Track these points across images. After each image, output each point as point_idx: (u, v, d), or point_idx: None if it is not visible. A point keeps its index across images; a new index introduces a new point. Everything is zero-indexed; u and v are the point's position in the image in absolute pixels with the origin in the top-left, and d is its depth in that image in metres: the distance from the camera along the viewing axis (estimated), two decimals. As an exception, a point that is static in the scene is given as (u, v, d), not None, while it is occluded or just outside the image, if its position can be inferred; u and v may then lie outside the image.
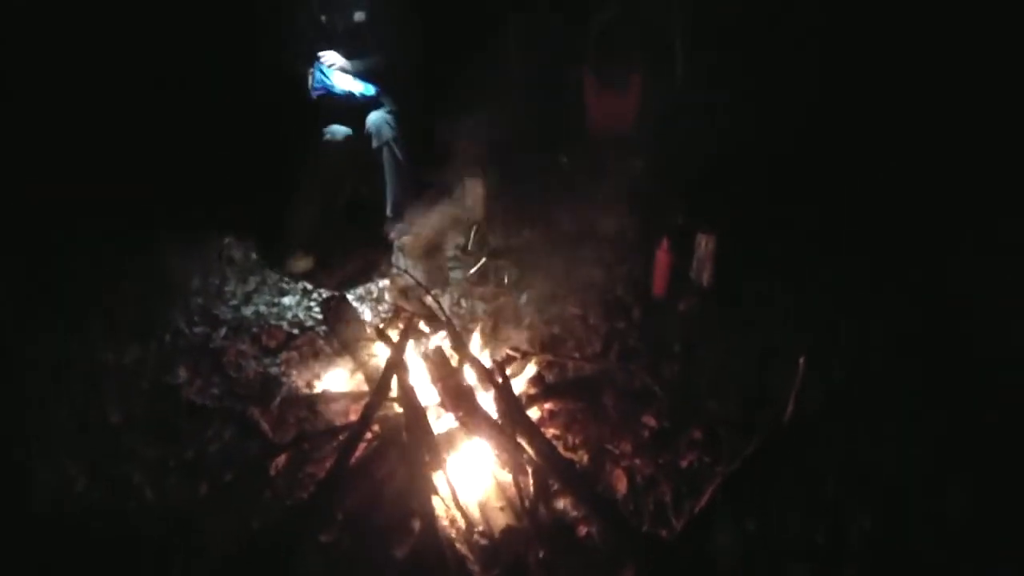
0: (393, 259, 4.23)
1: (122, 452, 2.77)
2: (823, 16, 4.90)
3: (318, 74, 4.24)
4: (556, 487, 2.49)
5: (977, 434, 2.86)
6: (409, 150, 4.49)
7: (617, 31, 5.03)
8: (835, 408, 2.97)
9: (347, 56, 4.29)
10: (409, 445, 2.43)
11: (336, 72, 4.26)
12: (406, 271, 3.81)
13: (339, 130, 4.28)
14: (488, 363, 2.91)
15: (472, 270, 4.14)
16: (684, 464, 2.73)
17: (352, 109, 4.38)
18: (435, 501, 2.31)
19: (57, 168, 4.39)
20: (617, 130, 5.03)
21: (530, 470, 2.47)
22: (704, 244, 3.99)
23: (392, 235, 4.41)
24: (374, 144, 4.35)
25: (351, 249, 4.52)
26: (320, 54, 4.21)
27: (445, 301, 3.71)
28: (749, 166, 4.65)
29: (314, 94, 4.30)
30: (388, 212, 4.48)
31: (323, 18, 4.26)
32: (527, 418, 2.62)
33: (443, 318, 3.11)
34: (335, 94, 4.30)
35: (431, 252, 4.28)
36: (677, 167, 4.64)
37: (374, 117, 4.39)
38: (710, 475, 2.63)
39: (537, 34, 5.28)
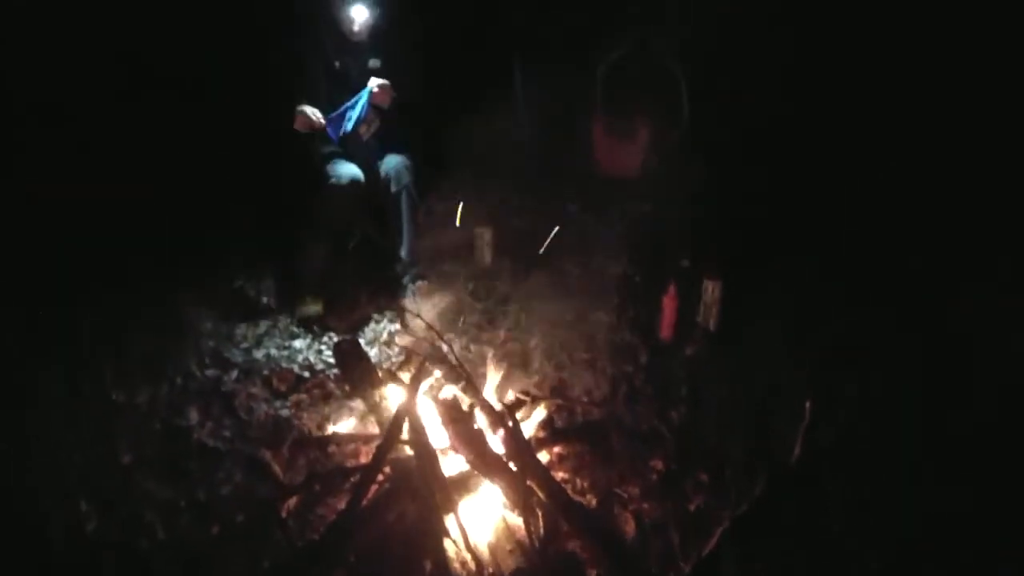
0: (406, 302, 4.27)
1: (134, 492, 2.79)
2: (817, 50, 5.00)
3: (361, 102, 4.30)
4: (566, 529, 2.51)
5: (980, 468, 2.88)
6: (424, 195, 4.53)
7: (624, 75, 5.13)
8: (840, 448, 3.00)
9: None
10: (420, 487, 2.45)
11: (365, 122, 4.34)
12: (418, 315, 3.84)
13: (344, 173, 4.28)
14: (498, 406, 2.94)
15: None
16: (692, 507, 2.75)
17: (356, 155, 4.44)
18: (446, 543, 2.32)
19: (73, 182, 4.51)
20: (624, 175, 5.09)
21: (540, 512, 2.48)
22: (711, 289, 4.04)
23: (407, 279, 4.45)
24: (393, 188, 4.38)
25: (361, 292, 4.55)
26: (375, 79, 4.27)
27: (456, 345, 3.74)
28: (753, 208, 4.71)
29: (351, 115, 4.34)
30: (404, 255, 4.50)
31: (336, 64, 4.33)
32: (537, 461, 2.65)
33: (454, 362, 3.15)
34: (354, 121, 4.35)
35: (442, 296, 4.32)
36: (683, 211, 4.70)
37: (393, 162, 4.43)
38: (717, 518, 2.64)
39: (545, 81, 5.37)
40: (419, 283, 4.39)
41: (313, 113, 4.16)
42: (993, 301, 3.84)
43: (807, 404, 2.89)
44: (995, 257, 4.19)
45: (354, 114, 4.25)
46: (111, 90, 4.85)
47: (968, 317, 3.85)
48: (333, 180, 4.23)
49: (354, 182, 4.28)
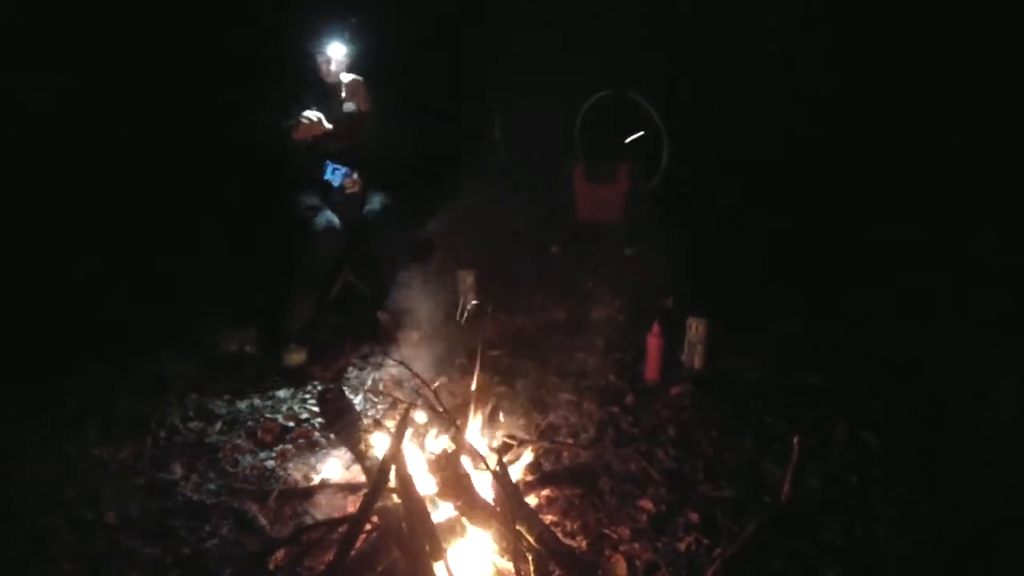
0: (392, 349, 4.26)
1: (119, 551, 2.75)
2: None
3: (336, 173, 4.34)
4: (556, 574, 2.48)
5: (975, 509, 2.88)
6: (409, 240, 4.53)
7: (603, 120, 5.20)
8: (831, 489, 3.00)
9: (338, 147, 4.41)
10: (409, 535, 2.43)
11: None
12: (402, 362, 3.83)
13: (321, 222, 4.29)
14: (485, 451, 2.92)
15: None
16: (682, 547, 2.73)
17: (338, 206, 4.45)
18: (436, 591, 2.30)
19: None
20: (606, 218, 5.14)
21: (530, 557, 2.46)
22: (695, 328, 4.06)
23: (393, 325, 4.43)
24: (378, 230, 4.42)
25: (345, 340, 4.54)
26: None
27: (441, 390, 3.72)
28: (734, 246, 4.76)
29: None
30: (390, 302, 4.50)
31: (314, 109, 4.36)
32: (526, 505, 2.63)
33: (439, 408, 3.13)
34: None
35: (426, 342, 4.31)
36: (665, 251, 4.73)
37: (373, 207, 4.45)
38: (708, 558, 2.63)
39: (525, 127, 5.43)
40: (408, 328, 4.36)
41: (311, 116, 4.19)
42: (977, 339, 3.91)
43: (796, 441, 2.89)
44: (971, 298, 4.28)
45: (340, 171, 4.32)
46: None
47: (951, 347, 3.91)
48: (310, 229, 4.23)
49: (331, 230, 4.28)
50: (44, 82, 4.74)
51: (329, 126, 4.23)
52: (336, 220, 4.34)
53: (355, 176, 4.39)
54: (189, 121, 5.09)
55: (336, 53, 4.27)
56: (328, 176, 4.35)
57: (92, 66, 4.86)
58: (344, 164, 4.38)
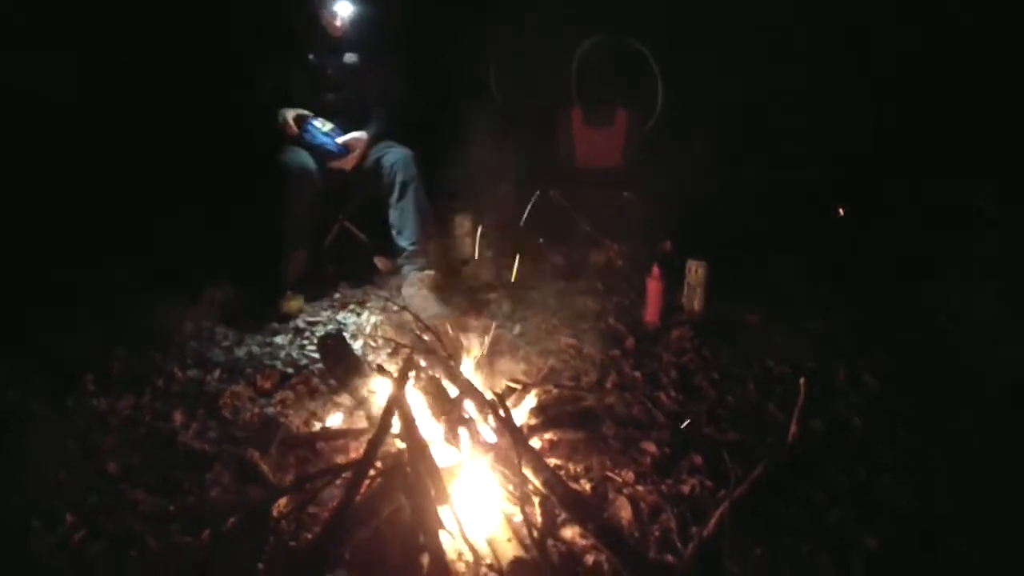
0: (404, 292, 4.24)
1: (121, 501, 2.72)
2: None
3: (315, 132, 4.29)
4: (562, 517, 2.48)
5: (976, 457, 2.88)
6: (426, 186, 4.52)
7: (599, 63, 5.12)
8: (836, 431, 3.00)
9: (337, 98, 4.39)
10: (413, 480, 2.42)
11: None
12: (404, 307, 3.80)
13: (294, 162, 4.28)
14: (488, 395, 2.90)
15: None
16: (686, 490, 2.72)
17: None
18: (442, 536, 2.29)
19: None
20: (604, 162, 5.09)
21: (536, 500, 2.46)
22: (694, 270, 4.04)
23: (408, 268, 4.44)
24: (400, 178, 4.39)
25: (342, 285, 4.51)
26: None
27: (442, 335, 3.70)
28: (735, 189, 4.72)
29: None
30: (410, 247, 4.48)
31: (311, 57, 4.30)
32: (531, 449, 2.62)
33: (442, 352, 3.11)
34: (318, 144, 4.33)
35: (428, 286, 4.28)
36: (665, 194, 4.69)
37: (399, 154, 4.43)
38: (713, 500, 2.62)
39: (521, 71, 5.36)
40: (424, 273, 4.33)
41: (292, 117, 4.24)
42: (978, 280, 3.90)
43: (802, 383, 2.87)
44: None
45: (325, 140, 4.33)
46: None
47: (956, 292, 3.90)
48: (283, 171, 4.21)
49: (304, 172, 4.24)
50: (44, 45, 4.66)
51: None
52: (310, 162, 4.30)
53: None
54: (186, 82, 4.99)
55: (344, 11, 4.21)
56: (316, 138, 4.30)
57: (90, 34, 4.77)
58: (342, 114, 4.34)
